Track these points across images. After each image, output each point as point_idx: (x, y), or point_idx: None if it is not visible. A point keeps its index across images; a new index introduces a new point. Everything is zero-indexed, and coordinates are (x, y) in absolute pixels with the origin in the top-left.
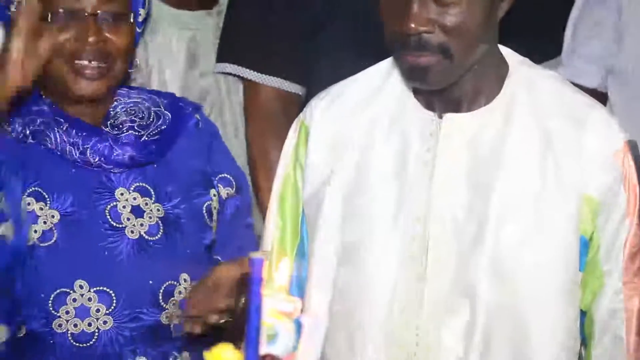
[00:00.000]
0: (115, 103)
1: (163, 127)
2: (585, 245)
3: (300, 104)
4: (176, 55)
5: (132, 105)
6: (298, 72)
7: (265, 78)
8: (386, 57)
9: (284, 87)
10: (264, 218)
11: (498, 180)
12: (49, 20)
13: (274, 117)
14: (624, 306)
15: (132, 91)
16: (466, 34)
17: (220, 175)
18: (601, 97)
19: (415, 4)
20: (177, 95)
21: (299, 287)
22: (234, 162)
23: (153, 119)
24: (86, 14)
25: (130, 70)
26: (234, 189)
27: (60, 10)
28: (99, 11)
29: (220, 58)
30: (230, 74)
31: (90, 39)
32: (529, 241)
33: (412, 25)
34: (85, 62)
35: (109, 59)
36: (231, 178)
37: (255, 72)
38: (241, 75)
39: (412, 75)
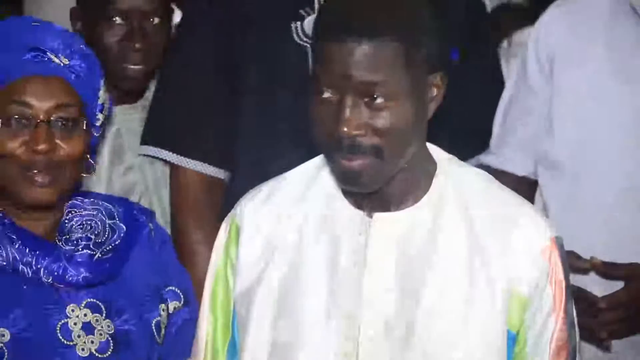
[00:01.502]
0: (70, 215)
1: (117, 242)
2: (512, 339)
3: (224, 187)
4: (100, 151)
5: (87, 219)
6: (220, 156)
7: (186, 161)
8: (310, 141)
9: (205, 170)
10: None
11: (427, 279)
12: (1, 126)
13: (197, 200)
14: None
15: (87, 200)
16: (398, 135)
17: (169, 288)
18: (531, 184)
19: (347, 109)
20: (103, 190)
21: None
22: (183, 272)
23: (108, 233)
24: (38, 121)
25: (84, 175)
26: (182, 302)
27: (14, 117)
28: (51, 118)
29: (144, 141)
30: (155, 157)
31: (41, 147)
32: (458, 338)
33: (345, 130)
34: (36, 171)
35: (60, 167)
36: (179, 291)
37: (177, 155)
38: (163, 157)
39: (346, 179)
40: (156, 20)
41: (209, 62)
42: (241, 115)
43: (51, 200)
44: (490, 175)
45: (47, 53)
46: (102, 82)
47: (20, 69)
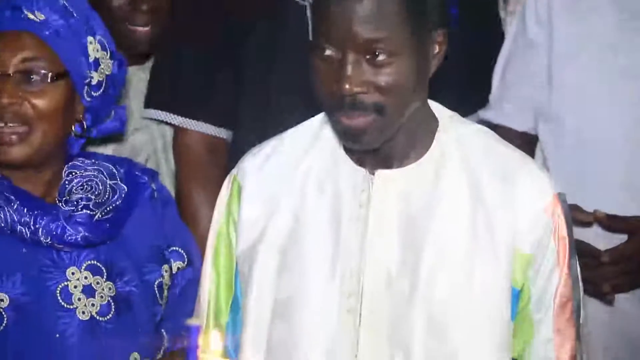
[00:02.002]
0: (71, 176)
1: (118, 203)
2: (516, 296)
3: (227, 147)
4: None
5: (88, 179)
6: (222, 116)
7: (188, 122)
8: (310, 99)
9: (207, 130)
10: None
11: (430, 235)
12: None
13: (200, 162)
14: (555, 355)
15: (88, 161)
16: (400, 92)
17: (172, 248)
18: (531, 140)
19: (349, 66)
20: (111, 152)
21: (235, 343)
22: (187, 232)
23: (109, 194)
24: (6, 74)
25: (78, 133)
26: (186, 262)
27: None
28: (12, 71)
29: (147, 104)
30: (160, 121)
31: (3, 100)
32: (461, 294)
33: (347, 87)
34: (2, 125)
35: (29, 123)
36: (183, 252)
37: (180, 117)
38: (166, 120)
39: (348, 137)
40: None
41: (209, 23)
42: (242, 75)
43: (23, 158)
44: (492, 132)
45: (23, 9)
46: (92, 39)
47: None
